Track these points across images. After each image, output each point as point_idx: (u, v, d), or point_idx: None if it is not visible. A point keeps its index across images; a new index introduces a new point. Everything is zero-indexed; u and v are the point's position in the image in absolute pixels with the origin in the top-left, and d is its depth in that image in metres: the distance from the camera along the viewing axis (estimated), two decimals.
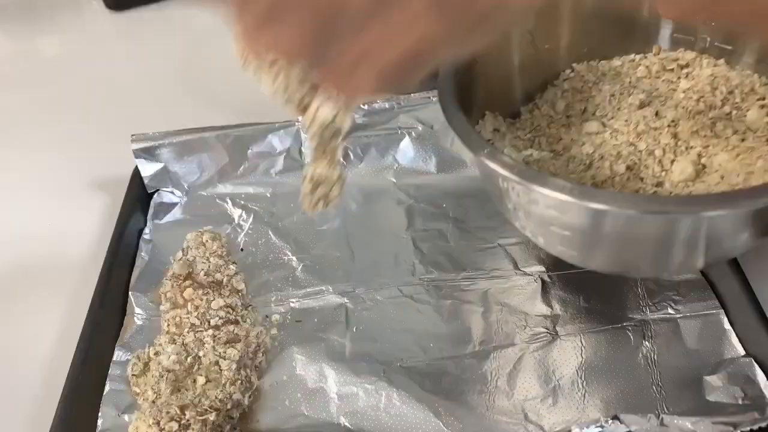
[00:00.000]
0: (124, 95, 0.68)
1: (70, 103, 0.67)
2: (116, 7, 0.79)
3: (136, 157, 0.53)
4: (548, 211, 0.34)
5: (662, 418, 0.37)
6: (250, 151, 0.54)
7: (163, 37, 0.75)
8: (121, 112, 0.65)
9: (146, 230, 0.51)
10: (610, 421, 0.36)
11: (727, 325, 0.40)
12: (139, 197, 0.53)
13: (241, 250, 0.50)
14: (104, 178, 0.57)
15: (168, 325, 0.43)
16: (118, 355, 0.43)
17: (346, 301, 0.46)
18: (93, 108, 0.67)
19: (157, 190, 0.54)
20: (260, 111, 0.57)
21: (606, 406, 0.38)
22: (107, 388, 0.42)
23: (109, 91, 0.69)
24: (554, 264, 0.45)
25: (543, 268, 0.46)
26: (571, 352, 0.41)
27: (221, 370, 0.41)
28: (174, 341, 0.42)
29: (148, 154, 0.53)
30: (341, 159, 0.33)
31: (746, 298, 0.40)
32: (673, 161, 0.39)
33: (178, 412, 0.38)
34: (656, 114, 0.41)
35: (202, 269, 0.46)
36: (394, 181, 0.54)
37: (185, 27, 0.77)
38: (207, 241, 0.49)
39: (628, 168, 0.39)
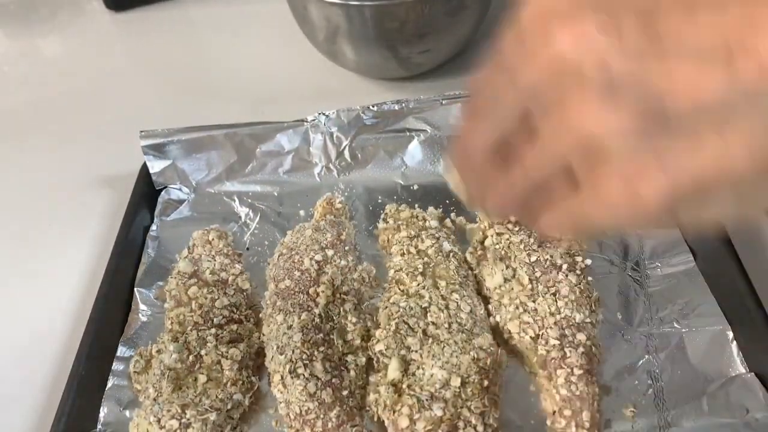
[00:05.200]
0: (124, 95, 0.68)
1: (71, 102, 0.68)
2: (116, 7, 0.79)
3: (145, 154, 0.53)
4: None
5: (660, 430, 0.37)
6: (258, 149, 0.54)
7: (164, 37, 0.76)
8: (122, 111, 0.66)
9: (153, 227, 0.52)
10: None
11: (731, 342, 0.40)
12: (146, 194, 0.53)
13: (247, 249, 0.50)
14: (109, 175, 0.57)
15: (171, 322, 0.44)
16: (122, 350, 0.44)
17: None
18: (94, 107, 0.67)
19: (165, 186, 0.54)
20: (264, 111, 0.57)
21: (604, 419, 0.38)
22: (110, 383, 0.42)
23: (109, 90, 0.69)
24: None
25: None
26: None
27: (223, 369, 0.41)
28: (176, 339, 0.42)
29: (157, 150, 0.53)
30: None
31: (753, 315, 0.39)
32: None
33: (179, 410, 0.38)
34: None
35: (208, 267, 0.47)
36: (402, 183, 0.54)
37: (186, 26, 0.77)
38: (213, 239, 0.49)
39: None
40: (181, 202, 0.54)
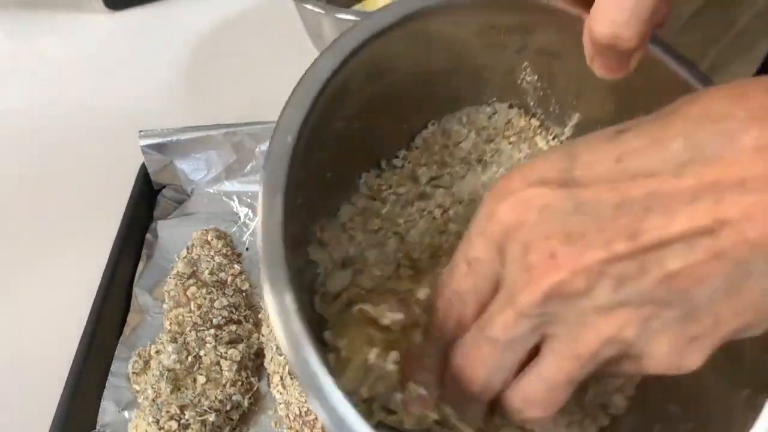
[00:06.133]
0: (125, 95, 0.68)
1: (71, 102, 0.68)
2: (116, 6, 0.79)
3: (144, 154, 0.53)
4: None
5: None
6: (258, 149, 0.54)
7: (164, 36, 0.75)
8: (122, 111, 0.65)
9: (152, 227, 0.51)
10: None
11: None
12: (145, 194, 0.53)
13: (247, 249, 0.50)
14: (108, 175, 0.57)
15: (170, 323, 0.44)
16: (120, 351, 0.44)
17: None
18: (93, 107, 0.67)
19: (164, 186, 0.54)
20: (263, 111, 0.57)
21: None
22: (109, 383, 0.42)
23: (109, 90, 0.69)
24: None
25: None
26: None
27: (222, 370, 0.41)
28: (175, 340, 0.42)
29: (156, 150, 0.53)
30: None
31: None
32: None
33: (178, 411, 0.38)
34: None
35: (207, 268, 0.46)
36: None
37: (186, 26, 0.77)
38: (212, 239, 0.49)
39: None
40: (180, 202, 0.53)
